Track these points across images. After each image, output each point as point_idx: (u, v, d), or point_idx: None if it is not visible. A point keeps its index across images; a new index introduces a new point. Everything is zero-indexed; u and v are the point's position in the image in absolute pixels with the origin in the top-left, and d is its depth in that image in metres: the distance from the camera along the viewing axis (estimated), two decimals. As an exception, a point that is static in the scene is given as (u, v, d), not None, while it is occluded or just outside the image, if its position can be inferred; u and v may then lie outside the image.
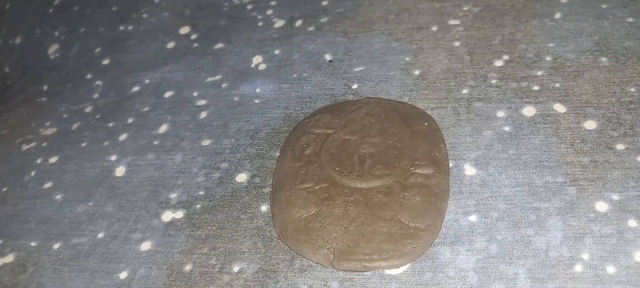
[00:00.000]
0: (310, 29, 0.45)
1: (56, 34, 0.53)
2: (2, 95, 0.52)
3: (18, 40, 0.55)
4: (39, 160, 0.40)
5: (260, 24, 0.47)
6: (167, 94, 0.43)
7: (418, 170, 0.33)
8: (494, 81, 0.38)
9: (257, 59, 0.44)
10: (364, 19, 0.44)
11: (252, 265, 0.31)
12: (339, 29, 0.44)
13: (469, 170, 0.34)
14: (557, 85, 0.37)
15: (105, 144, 0.40)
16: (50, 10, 0.55)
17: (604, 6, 0.41)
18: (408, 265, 0.30)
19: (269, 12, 0.47)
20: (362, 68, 0.41)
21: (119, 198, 0.36)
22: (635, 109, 0.35)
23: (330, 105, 0.39)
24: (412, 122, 0.36)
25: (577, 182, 0.32)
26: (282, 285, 0.30)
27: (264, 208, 0.34)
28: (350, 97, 0.39)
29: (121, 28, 0.51)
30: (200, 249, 0.33)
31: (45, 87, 0.49)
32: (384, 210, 0.32)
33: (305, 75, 0.41)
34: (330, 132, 0.36)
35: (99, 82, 0.46)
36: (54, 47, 0.52)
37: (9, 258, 0.35)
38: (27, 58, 0.53)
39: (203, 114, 0.40)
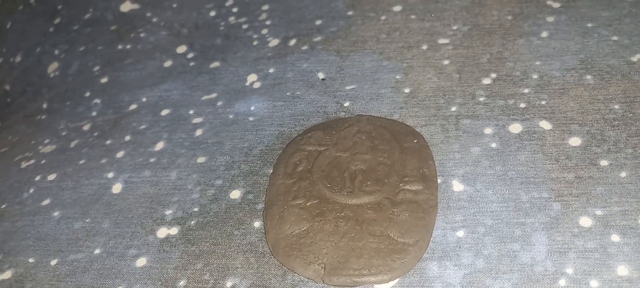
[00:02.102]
0: (304, 48, 0.46)
1: (56, 52, 0.54)
2: (2, 113, 0.53)
3: (18, 58, 0.56)
4: (37, 178, 0.41)
5: (255, 43, 0.48)
6: (164, 112, 0.44)
7: (407, 187, 0.34)
8: (481, 99, 0.39)
9: (251, 78, 0.45)
10: (356, 38, 0.46)
11: (244, 281, 0.32)
12: (332, 48, 0.45)
13: (457, 186, 0.35)
14: (543, 102, 0.38)
15: (103, 161, 0.41)
16: (51, 29, 0.56)
17: (589, 25, 0.42)
18: (397, 280, 0.31)
19: (264, 31, 0.49)
20: (353, 86, 0.42)
21: (115, 215, 0.37)
22: (618, 125, 0.36)
23: (322, 123, 0.40)
24: (402, 139, 0.37)
25: (562, 197, 0.33)
26: (274, 300, 0.31)
27: (257, 224, 0.35)
28: (342, 114, 0.40)
29: (120, 47, 0.52)
30: (194, 265, 0.33)
31: (44, 105, 0.50)
32: (374, 226, 0.32)
33: (298, 93, 0.42)
34: (322, 149, 0.37)
35: (97, 100, 0.47)
36: (53, 66, 0.53)
37: (7, 274, 0.35)
38: (27, 76, 0.54)
39: (198, 132, 0.41)
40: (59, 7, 0.58)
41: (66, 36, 0.55)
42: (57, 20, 0.57)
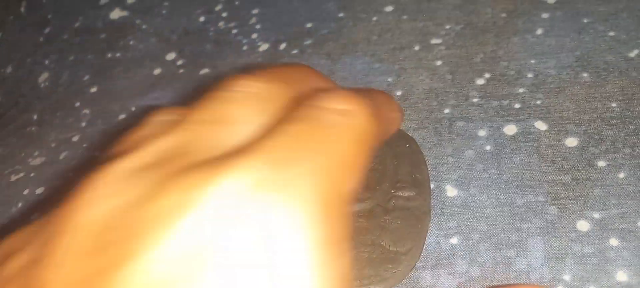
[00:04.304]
0: (294, 52, 0.45)
1: (46, 62, 0.54)
2: (-7, 126, 0.53)
3: (9, 70, 0.56)
4: (26, 191, 0.41)
5: (244, 47, 0.47)
6: (153, 121, 0.43)
7: (399, 193, 0.33)
8: (475, 100, 0.38)
9: (241, 84, 0.44)
10: (347, 41, 0.45)
11: (234, 294, 0.31)
12: (323, 51, 0.44)
13: (451, 191, 0.34)
14: (538, 102, 0.37)
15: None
16: (41, 39, 0.56)
17: (585, 21, 0.41)
18: (389, 290, 0.30)
19: (254, 35, 0.48)
20: (345, 90, 0.41)
21: (103, 229, 0.36)
22: (616, 124, 0.35)
23: (313, 129, 0.39)
24: (393, 144, 0.36)
25: (559, 200, 0.32)
26: (263, 313, 0.30)
27: (247, 235, 0.34)
28: (333, 119, 0.39)
29: (109, 55, 0.51)
30: None
31: (35, 116, 0.49)
32: (365, 235, 0.32)
33: (289, 98, 0.42)
34: (312, 156, 0.36)
35: (86, 111, 0.46)
36: (44, 76, 0.53)
37: (-5, 292, 0.35)
38: (19, 87, 0.54)
39: (188, 141, 0.41)
40: (49, 16, 0.57)
41: (56, 46, 0.54)
42: (47, 30, 0.56)
